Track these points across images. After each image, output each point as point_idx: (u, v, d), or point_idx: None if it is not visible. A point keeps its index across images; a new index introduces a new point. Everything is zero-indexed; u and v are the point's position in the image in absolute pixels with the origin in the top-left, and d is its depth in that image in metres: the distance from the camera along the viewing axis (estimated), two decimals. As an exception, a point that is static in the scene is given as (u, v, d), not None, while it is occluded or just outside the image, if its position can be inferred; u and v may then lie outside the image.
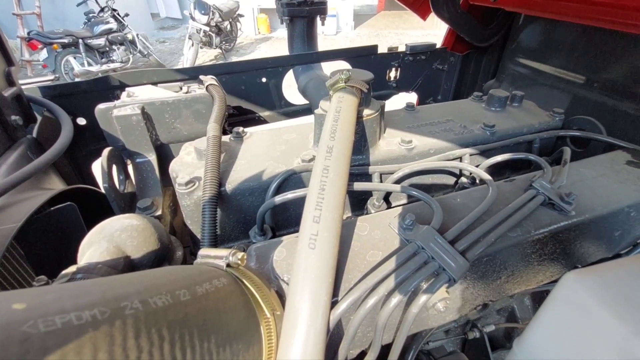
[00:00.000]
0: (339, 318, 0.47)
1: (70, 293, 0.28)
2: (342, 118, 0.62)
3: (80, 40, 6.89)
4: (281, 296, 0.51)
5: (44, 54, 6.51)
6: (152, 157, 0.88)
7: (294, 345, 0.41)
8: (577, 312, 0.40)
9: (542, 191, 0.65)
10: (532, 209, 0.62)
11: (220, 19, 9.35)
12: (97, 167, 1.25)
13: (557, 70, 1.22)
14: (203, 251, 0.49)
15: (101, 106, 0.85)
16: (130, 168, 0.92)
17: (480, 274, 0.60)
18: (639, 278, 0.40)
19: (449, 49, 1.63)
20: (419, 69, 1.63)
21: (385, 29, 11.25)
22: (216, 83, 0.94)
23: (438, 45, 1.63)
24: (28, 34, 6.65)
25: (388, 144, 0.86)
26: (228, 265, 0.45)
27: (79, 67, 6.66)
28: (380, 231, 0.60)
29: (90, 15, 7.68)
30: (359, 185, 0.70)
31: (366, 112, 0.77)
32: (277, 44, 10.36)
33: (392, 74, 1.61)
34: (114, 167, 0.84)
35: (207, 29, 8.93)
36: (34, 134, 1.03)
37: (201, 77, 0.97)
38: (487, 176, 0.71)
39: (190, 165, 0.78)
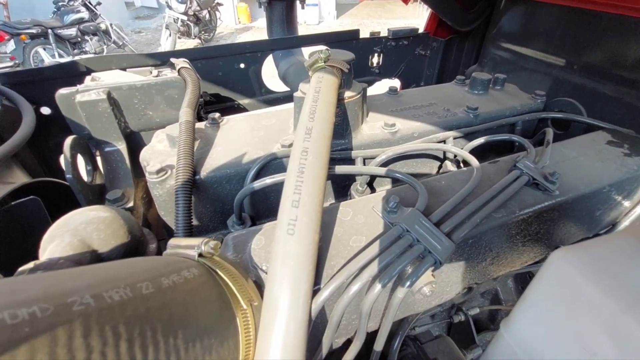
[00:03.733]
0: (322, 306, 0.45)
1: (6, 289, 0.24)
2: (321, 98, 0.59)
3: (49, 31, 6.55)
4: (260, 286, 0.48)
5: (11, 45, 6.15)
6: (122, 146, 0.82)
7: (274, 337, 0.39)
8: (565, 289, 0.39)
9: (526, 171, 0.64)
10: (516, 189, 0.61)
11: (198, 8, 9.05)
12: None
13: (538, 53, 1.22)
14: (173, 241, 0.45)
15: (62, 91, 0.78)
16: (98, 159, 0.86)
17: (465, 256, 0.59)
18: (625, 253, 0.39)
19: (432, 34, 1.61)
20: (401, 55, 1.61)
21: (368, 19, 11.16)
22: (189, 66, 0.88)
23: (420, 31, 1.61)
24: (-7, 23, 6.26)
25: (371, 127, 0.83)
26: (200, 255, 0.42)
27: (49, 58, 6.34)
28: (363, 216, 0.57)
29: (60, 4, 7.28)
30: (340, 169, 0.68)
31: (347, 94, 0.74)
32: (259, 34, 10.14)
33: (375, 59, 1.58)
34: (80, 158, 0.78)
35: (185, 18, 8.63)
36: (-8, 125, 0.95)
37: (172, 59, 0.91)
38: (471, 157, 0.70)
39: (162, 153, 0.73)
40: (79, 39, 7.08)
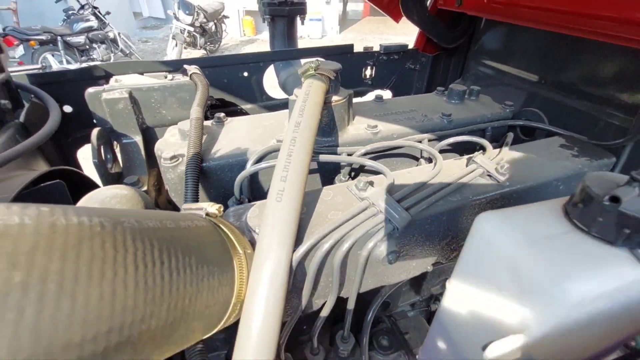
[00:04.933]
0: (300, 259, 0.56)
1: (81, 209, 0.36)
2: (310, 99, 0.72)
3: (59, 38, 6.81)
4: (253, 245, 0.60)
5: (20, 50, 6.39)
6: (138, 139, 0.95)
7: (262, 277, 0.50)
8: (484, 246, 0.50)
9: (481, 165, 0.77)
10: (471, 178, 0.73)
11: (205, 20, 9.38)
12: (83, 155, 1.30)
13: (513, 69, 1.36)
14: (185, 205, 0.57)
15: (91, 90, 0.92)
16: (117, 151, 0.99)
17: (426, 233, 0.71)
18: (538, 215, 0.51)
19: (420, 49, 1.76)
20: (392, 68, 1.76)
21: (370, 34, 11.52)
22: (199, 72, 1.02)
23: (410, 47, 1.76)
24: (3, 29, 6.52)
25: (356, 128, 0.97)
26: (207, 214, 0.54)
27: (57, 64, 6.56)
28: (341, 196, 0.70)
29: (70, 12, 7.59)
30: (323, 157, 0.80)
31: (335, 98, 0.88)
32: (263, 46, 10.45)
33: (368, 72, 1.73)
34: (102, 148, 0.91)
35: (192, 29, 8.94)
36: (22, 119, 1.09)
37: (185, 66, 1.05)
38: (436, 153, 0.82)
39: (174, 144, 0.86)
40: (87, 47, 7.34)
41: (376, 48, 1.69)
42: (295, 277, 0.60)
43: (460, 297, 0.58)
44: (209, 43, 9.60)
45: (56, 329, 0.27)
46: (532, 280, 0.43)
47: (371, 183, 0.66)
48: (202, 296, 0.42)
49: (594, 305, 0.41)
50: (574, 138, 0.98)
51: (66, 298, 0.28)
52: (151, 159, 0.99)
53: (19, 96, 1.10)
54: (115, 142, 0.95)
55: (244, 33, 11.86)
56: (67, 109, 1.21)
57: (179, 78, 1.01)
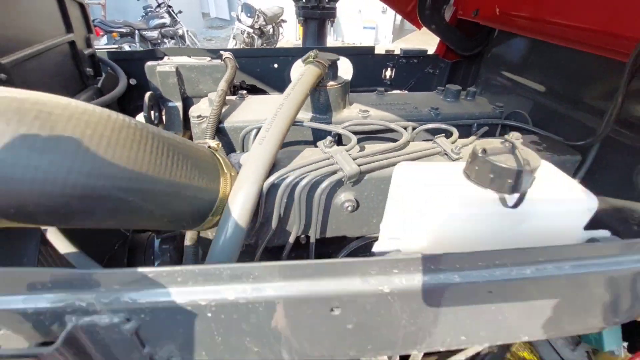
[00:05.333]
0: (269, 186, 0.77)
1: (127, 117, 0.60)
2: (303, 78, 0.93)
3: (136, 31, 7.73)
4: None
5: (104, 40, 7.35)
6: (179, 104, 1.23)
7: (239, 194, 0.72)
8: (396, 187, 0.66)
9: (440, 144, 0.91)
10: (426, 153, 0.89)
11: (264, 23, 10.02)
12: (140, 119, 1.62)
13: (515, 76, 1.46)
14: (196, 141, 0.81)
15: (149, 63, 1.21)
16: (163, 112, 1.27)
17: (381, 192, 0.87)
18: (445, 169, 0.66)
19: (441, 56, 1.89)
20: (412, 71, 1.91)
21: (420, 45, 11.45)
22: (231, 57, 1.28)
23: (431, 52, 1.90)
24: (93, 21, 7.56)
25: (350, 111, 1.15)
26: (209, 147, 0.77)
27: (132, 54, 7.43)
28: (313, 152, 0.89)
29: (148, 9, 8.57)
30: (307, 124, 1.01)
31: (330, 83, 1.07)
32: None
33: (388, 73, 1.90)
34: (152, 108, 1.19)
35: (251, 31, 9.59)
36: (99, 85, 1.42)
37: (221, 51, 1.31)
38: (403, 130, 0.98)
39: (203, 109, 1.11)
40: (159, 41, 8.23)
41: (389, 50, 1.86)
42: (267, 205, 0.80)
43: (388, 234, 0.74)
44: (265, 44, 10.20)
45: (102, 165, 0.50)
46: (418, 205, 0.60)
47: (337, 142, 0.85)
48: (192, 188, 0.64)
49: (459, 224, 0.57)
50: (549, 137, 1.08)
51: (111, 150, 0.51)
52: (187, 122, 1.26)
53: (99, 67, 1.44)
54: (161, 105, 1.23)
55: (299, 37, 12.37)
56: (132, 81, 1.54)
57: (217, 62, 1.27)
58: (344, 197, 0.84)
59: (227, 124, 1.04)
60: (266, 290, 0.47)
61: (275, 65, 1.71)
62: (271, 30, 10.49)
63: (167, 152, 0.60)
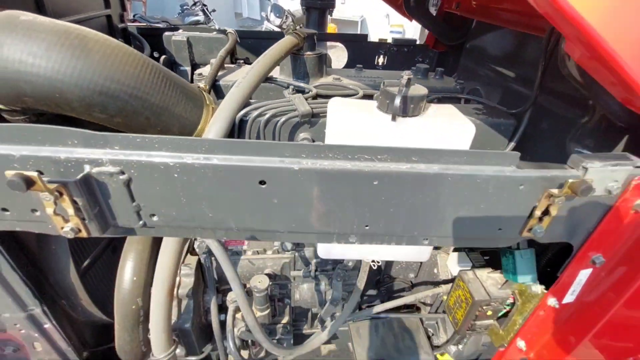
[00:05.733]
0: (239, 120, 1.00)
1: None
2: (280, 42, 1.16)
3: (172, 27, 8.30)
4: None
5: (142, 33, 7.94)
6: (188, 69, 1.50)
7: (216, 120, 0.95)
8: (329, 117, 0.88)
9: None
10: (373, 106, 1.09)
11: (292, 23, 10.43)
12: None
13: (481, 61, 1.63)
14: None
15: (166, 33, 1.49)
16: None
17: (334, 135, 1.08)
18: (367, 104, 0.87)
19: (431, 46, 2.07)
20: (402, 60, 2.10)
21: (449, 51, 11.45)
22: (233, 32, 1.54)
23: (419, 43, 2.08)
24: (134, 16, 8.19)
25: (325, 79, 1.37)
26: (198, 86, 1.02)
27: (166, 48, 7.99)
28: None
29: (184, 7, 9.17)
30: (278, 81, 1.24)
31: (307, 52, 1.30)
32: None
33: (380, 60, 2.10)
34: (166, 71, 1.47)
35: (279, 30, 10.01)
36: (128, 55, 1.71)
37: (227, 29, 1.58)
38: (361, 92, 1.19)
39: (204, 71, 1.37)
40: (192, 36, 8.79)
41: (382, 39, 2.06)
42: (239, 136, 1.03)
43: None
44: (291, 44, 10.56)
45: (114, 74, 0.75)
46: (332, 123, 0.81)
47: (300, 92, 1.08)
48: (180, 107, 0.89)
49: (354, 133, 0.78)
50: (492, 106, 1.26)
51: (122, 66, 0.76)
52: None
53: (130, 40, 1.74)
54: (174, 69, 1.50)
55: (326, 38, 12.67)
56: (156, 54, 1.83)
57: (220, 35, 1.53)
58: (302, 135, 1.06)
59: (222, 82, 1.29)
60: (212, 160, 0.70)
61: (278, 47, 1.95)
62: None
63: (163, 77, 0.84)
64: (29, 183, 0.62)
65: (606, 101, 0.92)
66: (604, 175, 0.75)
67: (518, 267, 1.06)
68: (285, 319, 1.44)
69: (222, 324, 1.27)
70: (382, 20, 11.92)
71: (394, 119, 0.76)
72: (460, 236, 0.84)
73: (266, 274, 1.24)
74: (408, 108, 0.76)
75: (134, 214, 0.76)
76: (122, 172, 0.70)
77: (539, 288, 1.11)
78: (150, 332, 1.05)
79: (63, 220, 0.72)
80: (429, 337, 1.57)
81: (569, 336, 1.14)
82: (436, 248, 1.48)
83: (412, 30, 12.21)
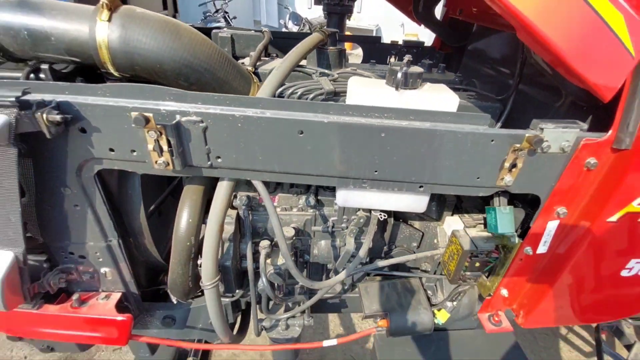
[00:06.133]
0: (278, 94, 1.28)
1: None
2: (308, 38, 1.46)
3: (195, 32, 8.79)
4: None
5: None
6: (230, 61, 1.81)
7: (260, 94, 1.24)
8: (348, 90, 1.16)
9: (395, 85, 1.39)
10: (384, 89, 1.37)
11: (309, 31, 10.86)
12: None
13: (478, 59, 1.89)
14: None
15: (215, 31, 1.81)
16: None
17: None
18: (379, 82, 1.14)
19: (437, 48, 2.35)
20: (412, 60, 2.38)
21: (462, 60, 11.70)
22: (267, 31, 1.84)
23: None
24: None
25: (343, 69, 1.66)
26: (247, 69, 1.31)
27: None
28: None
29: (207, 14, 9.69)
30: (309, 69, 1.53)
31: (330, 47, 1.59)
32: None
33: (392, 59, 2.38)
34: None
35: (303, 32, 10.45)
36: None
37: (263, 29, 1.89)
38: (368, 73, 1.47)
39: (246, 62, 1.67)
40: (213, 41, 9.29)
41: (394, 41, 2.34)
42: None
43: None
44: (308, 50, 10.96)
45: (196, 53, 1.04)
46: (355, 91, 1.09)
47: (325, 76, 1.36)
48: (236, 82, 1.18)
49: (368, 100, 1.05)
50: (482, 93, 1.52)
51: (200, 46, 1.05)
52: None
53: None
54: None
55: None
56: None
57: (258, 34, 1.85)
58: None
59: (260, 70, 1.59)
60: (266, 114, 0.99)
61: (302, 46, 2.26)
62: (315, 38, 11.33)
63: (225, 58, 1.14)
64: (147, 120, 0.91)
65: (569, 85, 1.18)
66: (556, 135, 1.01)
67: (499, 221, 1.31)
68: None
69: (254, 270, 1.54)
70: (397, 30, 12.25)
71: (397, 89, 1.04)
72: (447, 183, 1.10)
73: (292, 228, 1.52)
74: (408, 81, 1.03)
75: (205, 155, 1.05)
76: (202, 121, 0.99)
77: (517, 240, 1.35)
78: (202, 263, 1.33)
79: (157, 155, 1.01)
80: (428, 298, 1.81)
81: (544, 285, 1.38)
82: (436, 220, 1.73)
83: (427, 39, 12.56)
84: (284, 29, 10.61)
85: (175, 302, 1.65)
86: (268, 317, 1.70)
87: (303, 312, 1.70)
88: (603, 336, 2.45)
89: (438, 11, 2.17)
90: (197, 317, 1.62)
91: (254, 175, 1.11)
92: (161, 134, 0.96)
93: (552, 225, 1.23)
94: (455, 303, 1.70)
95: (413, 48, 2.33)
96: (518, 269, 1.36)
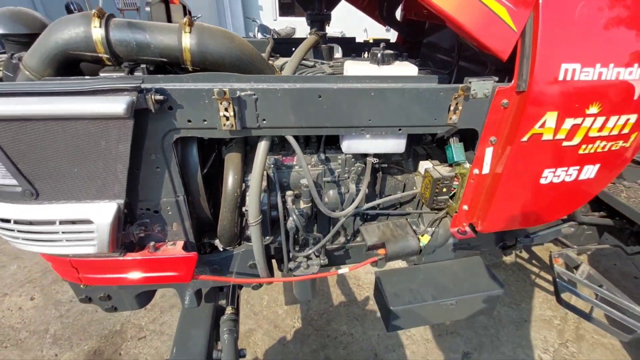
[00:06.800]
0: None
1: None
2: (307, 39, 2.03)
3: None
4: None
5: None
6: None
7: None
8: (346, 67, 1.72)
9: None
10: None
11: (313, 30, 11.52)
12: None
13: (431, 48, 2.54)
14: (263, 63, 1.90)
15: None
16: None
17: (345, 87, 1.94)
18: (364, 61, 1.72)
19: (400, 43, 2.99)
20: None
21: (424, 58, 12.75)
22: (272, 38, 2.40)
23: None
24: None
25: (334, 61, 2.24)
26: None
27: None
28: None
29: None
30: (303, 63, 2.10)
31: (323, 45, 2.17)
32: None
33: (365, 54, 3.00)
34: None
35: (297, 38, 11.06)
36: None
37: (267, 35, 2.42)
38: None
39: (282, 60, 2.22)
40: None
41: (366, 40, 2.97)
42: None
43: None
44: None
45: (241, 50, 1.58)
46: (350, 69, 1.67)
47: (323, 64, 1.93)
48: (266, 71, 1.72)
49: (362, 74, 1.63)
50: (435, 70, 2.14)
51: (243, 46, 1.59)
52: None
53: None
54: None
55: (310, 54, 13.81)
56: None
57: (265, 40, 2.39)
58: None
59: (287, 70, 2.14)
60: (296, 85, 1.53)
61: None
62: (284, 48, 12.01)
63: (258, 54, 1.68)
64: (224, 94, 1.43)
65: (489, 57, 1.80)
66: (479, 85, 1.62)
67: (454, 152, 1.90)
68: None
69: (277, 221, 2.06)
70: (361, 34, 13.16)
71: (378, 65, 1.62)
72: (416, 124, 1.69)
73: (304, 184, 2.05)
74: (385, 59, 1.61)
75: (255, 118, 1.58)
76: (254, 94, 1.52)
77: (468, 165, 1.95)
78: (248, 205, 1.84)
79: (225, 120, 1.53)
80: (413, 230, 2.40)
81: (491, 198, 1.99)
82: (414, 171, 2.32)
83: (391, 38, 13.55)
84: (253, 41, 11.21)
85: (221, 249, 2.13)
86: (293, 259, 2.20)
87: (320, 252, 2.22)
88: (556, 263, 3.14)
89: (398, 14, 2.81)
90: (237, 262, 2.11)
91: (287, 131, 1.65)
92: (229, 104, 1.48)
93: (488, 151, 1.84)
94: (433, 229, 2.29)
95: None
96: (472, 188, 1.96)
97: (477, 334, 3.78)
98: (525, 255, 4.85)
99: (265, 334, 3.76)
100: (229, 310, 2.43)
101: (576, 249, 3.16)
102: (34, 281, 4.50)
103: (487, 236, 2.72)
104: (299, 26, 13.36)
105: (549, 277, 4.34)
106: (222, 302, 2.64)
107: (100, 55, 1.40)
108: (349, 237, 2.46)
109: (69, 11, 11.07)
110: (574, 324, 3.92)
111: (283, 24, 12.19)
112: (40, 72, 1.42)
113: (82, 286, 2.07)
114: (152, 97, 1.39)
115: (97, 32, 1.36)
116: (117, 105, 1.32)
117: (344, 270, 2.24)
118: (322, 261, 2.29)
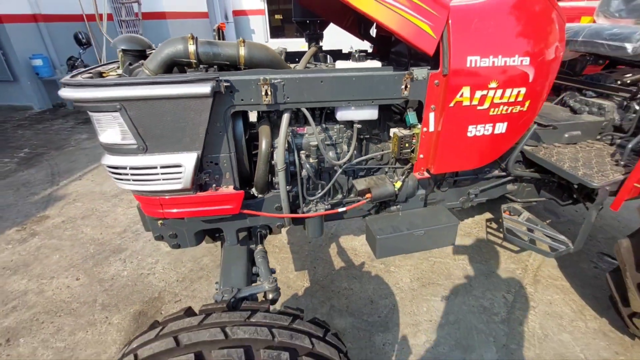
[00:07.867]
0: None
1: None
2: (310, 51, 3.14)
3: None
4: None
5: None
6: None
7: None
8: (337, 65, 2.80)
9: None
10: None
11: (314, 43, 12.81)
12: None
13: (402, 55, 3.67)
14: (282, 65, 2.99)
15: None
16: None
17: (337, 79, 3.02)
18: (349, 61, 2.80)
19: (375, 52, 4.14)
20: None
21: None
22: (284, 51, 3.50)
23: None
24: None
25: (330, 64, 3.35)
26: (287, 65, 2.94)
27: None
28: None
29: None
30: (309, 65, 3.20)
31: (321, 53, 3.28)
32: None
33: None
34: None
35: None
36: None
37: (280, 47, 3.54)
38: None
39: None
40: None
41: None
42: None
43: (337, 83, 2.91)
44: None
45: (271, 57, 2.66)
46: (340, 66, 2.76)
47: (322, 65, 3.03)
48: (282, 65, 2.79)
49: (347, 67, 2.72)
50: (395, 66, 3.25)
51: (271, 53, 2.67)
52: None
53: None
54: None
55: (300, 71, 15.14)
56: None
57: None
58: (325, 79, 2.99)
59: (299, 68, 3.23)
60: (308, 75, 2.60)
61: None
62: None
63: (283, 60, 2.76)
64: (266, 80, 2.50)
65: (420, 52, 2.92)
66: (419, 72, 2.71)
67: (410, 117, 2.96)
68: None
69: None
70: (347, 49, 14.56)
71: (357, 62, 2.71)
72: (383, 97, 2.77)
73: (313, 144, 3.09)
74: (360, 59, 2.70)
75: (282, 96, 2.64)
76: (282, 82, 2.59)
77: (420, 125, 3.03)
78: (276, 158, 2.87)
79: (265, 97, 2.59)
80: (390, 180, 3.45)
81: (436, 148, 3.06)
82: (388, 140, 3.39)
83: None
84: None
85: (256, 195, 3.13)
86: (306, 204, 3.21)
87: (325, 198, 3.24)
88: (505, 213, 4.19)
89: (373, 32, 3.97)
90: (267, 205, 3.11)
91: (302, 105, 2.71)
92: (267, 87, 2.55)
93: (431, 115, 2.92)
94: (403, 177, 3.34)
95: (361, 54, 4.10)
96: (424, 142, 3.02)
97: (454, 283, 4.76)
98: (494, 225, 5.90)
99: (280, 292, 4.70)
100: (259, 247, 3.40)
101: (520, 202, 4.24)
102: (77, 266, 5.35)
103: (450, 192, 3.78)
104: (290, 46, 14.80)
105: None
106: (252, 246, 3.61)
107: (191, 60, 2.47)
108: (344, 194, 3.49)
109: (78, 39, 12.26)
110: (532, 273, 4.92)
111: (274, 45, 13.52)
112: (155, 71, 2.47)
113: (159, 224, 3.03)
114: (223, 84, 2.44)
115: (192, 47, 2.43)
116: (205, 88, 2.37)
117: (342, 208, 3.27)
118: (326, 206, 3.31)
